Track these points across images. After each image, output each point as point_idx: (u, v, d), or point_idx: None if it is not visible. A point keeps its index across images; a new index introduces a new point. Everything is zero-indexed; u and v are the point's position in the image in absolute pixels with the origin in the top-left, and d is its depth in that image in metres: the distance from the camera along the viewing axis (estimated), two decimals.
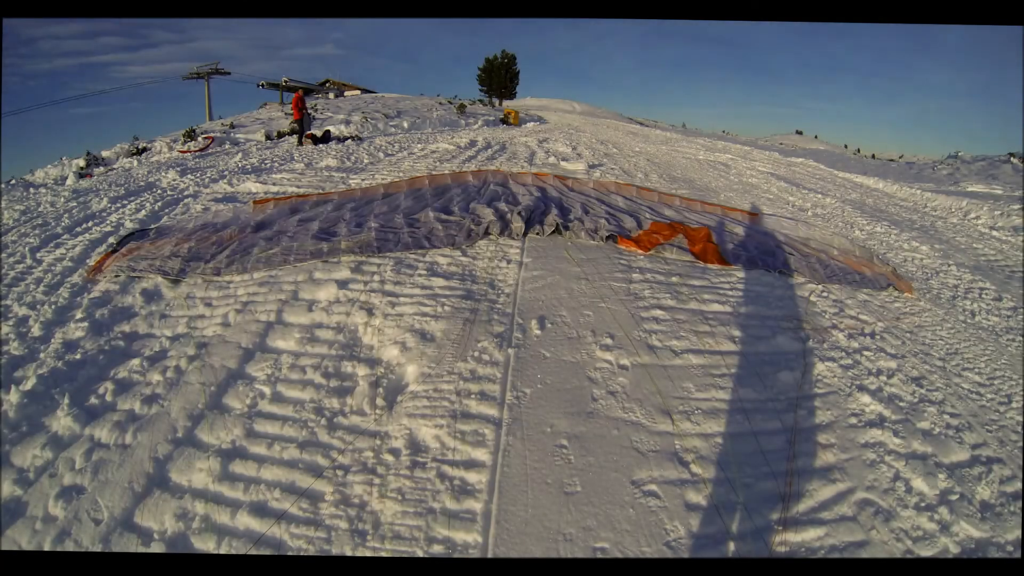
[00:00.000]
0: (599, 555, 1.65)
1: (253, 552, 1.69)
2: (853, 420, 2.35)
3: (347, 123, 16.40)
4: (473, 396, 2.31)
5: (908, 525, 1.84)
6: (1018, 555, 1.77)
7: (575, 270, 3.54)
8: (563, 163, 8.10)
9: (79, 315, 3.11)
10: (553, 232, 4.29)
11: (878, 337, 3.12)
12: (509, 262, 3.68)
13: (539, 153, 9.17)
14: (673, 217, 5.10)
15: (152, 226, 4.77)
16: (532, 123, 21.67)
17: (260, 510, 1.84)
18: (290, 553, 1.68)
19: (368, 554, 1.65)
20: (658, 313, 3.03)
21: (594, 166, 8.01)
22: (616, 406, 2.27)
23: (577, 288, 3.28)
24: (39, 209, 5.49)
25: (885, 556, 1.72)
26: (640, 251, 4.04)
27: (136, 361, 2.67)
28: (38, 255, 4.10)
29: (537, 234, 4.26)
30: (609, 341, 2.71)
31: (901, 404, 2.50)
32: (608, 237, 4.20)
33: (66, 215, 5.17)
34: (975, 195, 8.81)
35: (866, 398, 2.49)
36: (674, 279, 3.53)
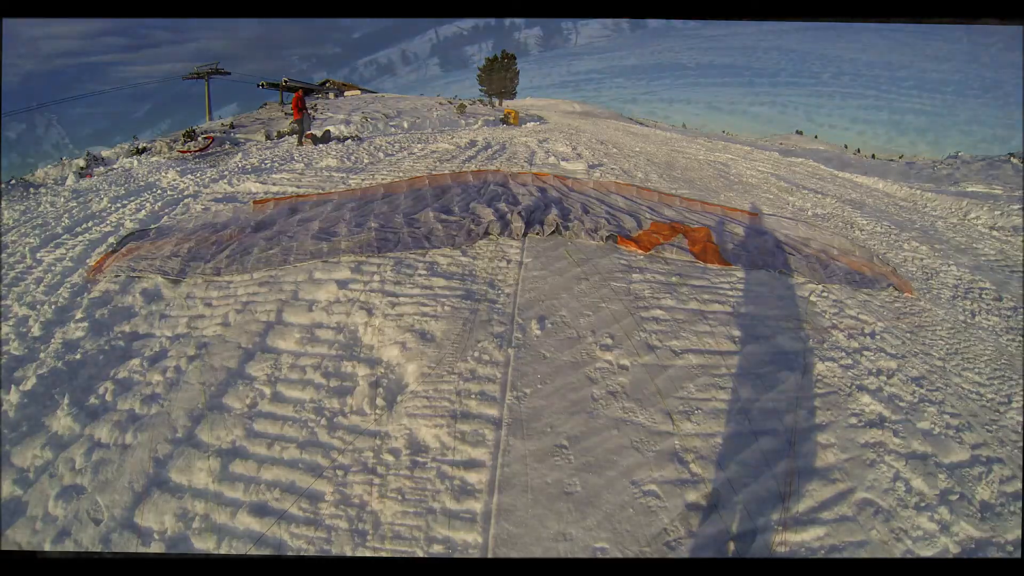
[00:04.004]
0: (599, 555, 1.65)
1: (253, 552, 1.69)
2: (853, 420, 2.35)
3: (347, 123, 16.38)
4: (473, 396, 2.31)
5: (908, 525, 1.84)
6: (1018, 555, 1.77)
7: (575, 270, 3.54)
8: (563, 163, 8.09)
9: (79, 315, 3.11)
10: (553, 232, 4.28)
11: (878, 337, 3.12)
12: (509, 262, 3.68)
13: (539, 153, 9.16)
14: (673, 217, 5.09)
15: (152, 226, 4.76)
16: (532, 123, 21.59)
17: (260, 510, 1.84)
18: (290, 553, 1.68)
19: (368, 554, 1.65)
20: (658, 313, 3.03)
21: (594, 166, 8.00)
22: (616, 406, 2.27)
23: (577, 288, 3.28)
24: (39, 209, 5.50)
25: (885, 556, 1.72)
26: (640, 251, 4.04)
27: (136, 361, 2.67)
28: (38, 255, 4.10)
29: (537, 234, 4.26)
30: (609, 341, 2.71)
31: (901, 404, 2.50)
32: (608, 237, 4.20)
33: (66, 215, 5.17)
34: (975, 195, 8.81)
35: (866, 398, 2.49)
36: (674, 279, 3.53)
